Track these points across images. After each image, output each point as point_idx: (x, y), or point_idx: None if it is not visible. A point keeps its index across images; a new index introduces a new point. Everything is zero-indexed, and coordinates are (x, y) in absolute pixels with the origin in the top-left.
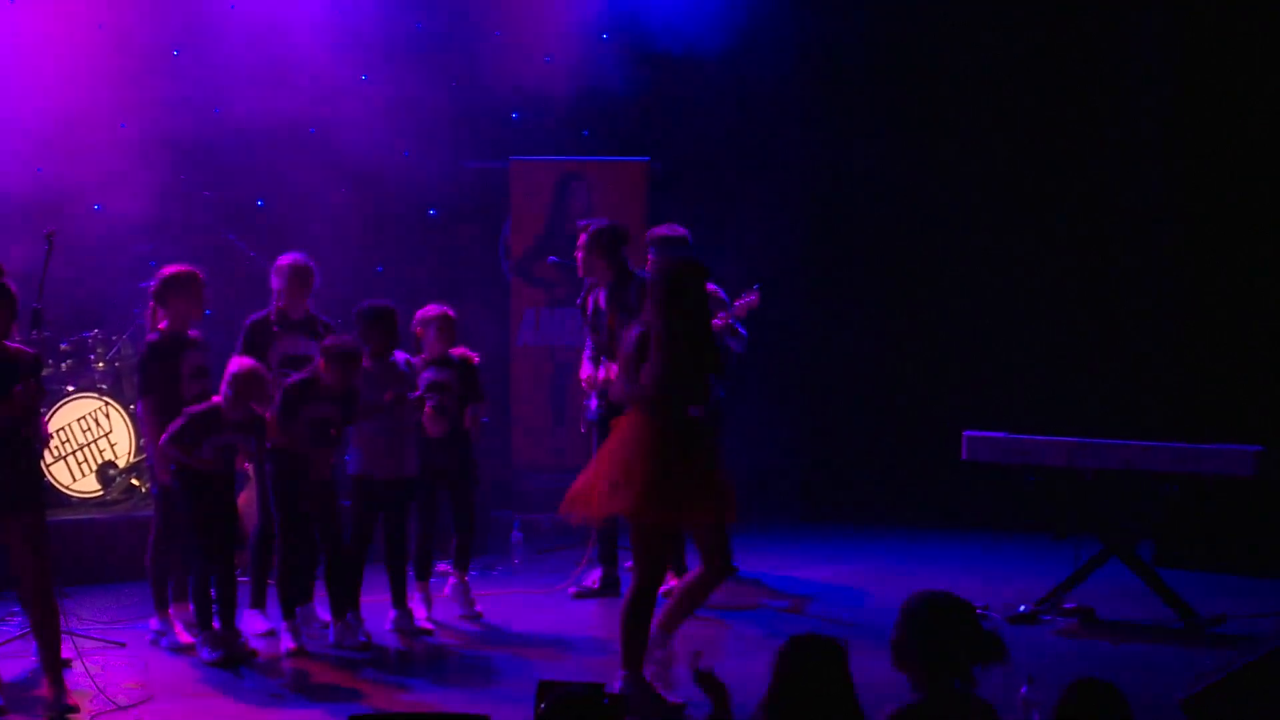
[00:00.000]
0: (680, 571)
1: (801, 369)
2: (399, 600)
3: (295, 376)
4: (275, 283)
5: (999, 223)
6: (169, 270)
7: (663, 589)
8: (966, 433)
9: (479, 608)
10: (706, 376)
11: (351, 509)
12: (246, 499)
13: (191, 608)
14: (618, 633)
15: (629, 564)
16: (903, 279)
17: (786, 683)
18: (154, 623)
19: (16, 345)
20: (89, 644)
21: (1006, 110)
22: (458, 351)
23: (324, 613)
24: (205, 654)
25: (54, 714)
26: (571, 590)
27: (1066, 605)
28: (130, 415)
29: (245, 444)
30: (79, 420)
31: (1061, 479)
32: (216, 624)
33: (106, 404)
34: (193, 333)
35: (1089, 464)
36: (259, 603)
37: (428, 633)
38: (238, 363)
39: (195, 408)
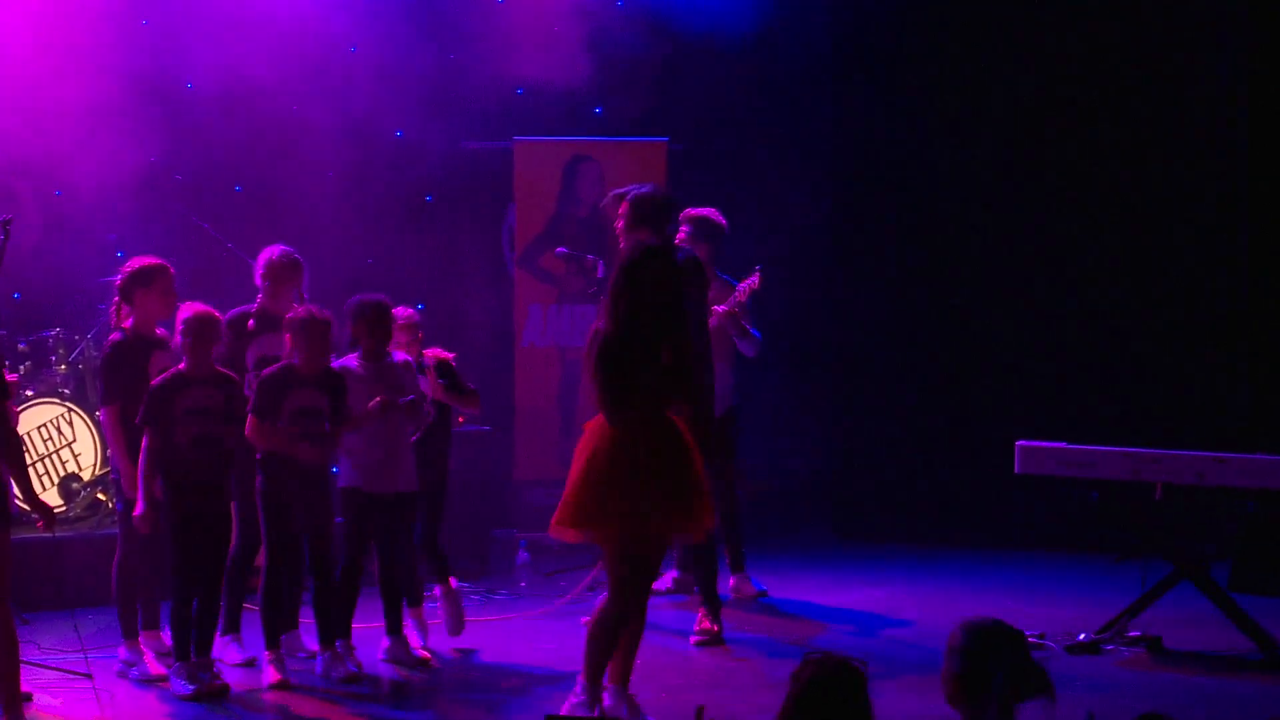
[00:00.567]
0: (684, 565)
1: (833, 370)
2: (393, 627)
3: (270, 367)
4: (259, 278)
5: (1052, 211)
6: (135, 263)
7: (661, 583)
8: (1020, 443)
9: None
10: (684, 378)
11: (342, 526)
12: None
13: (165, 635)
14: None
15: (673, 573)
16: (945, 271)
17: (800, 707)
18: (122, 652)
19: None
20: (50, 675)
21: (1059, 94)
22: (430, 353)
23: (309, 640)
24: (179, 687)
25: None
26: (584, 620)
27: (1131, 634)
28: (95, 423)
29: (327, 404)
30: (39, 428)
31: (1126, 494)
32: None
33: (69, 410)
34: (161, 331)
35: (1157, 478)
36: (233, 628)
37: (425, 663)
38: (188, 308)
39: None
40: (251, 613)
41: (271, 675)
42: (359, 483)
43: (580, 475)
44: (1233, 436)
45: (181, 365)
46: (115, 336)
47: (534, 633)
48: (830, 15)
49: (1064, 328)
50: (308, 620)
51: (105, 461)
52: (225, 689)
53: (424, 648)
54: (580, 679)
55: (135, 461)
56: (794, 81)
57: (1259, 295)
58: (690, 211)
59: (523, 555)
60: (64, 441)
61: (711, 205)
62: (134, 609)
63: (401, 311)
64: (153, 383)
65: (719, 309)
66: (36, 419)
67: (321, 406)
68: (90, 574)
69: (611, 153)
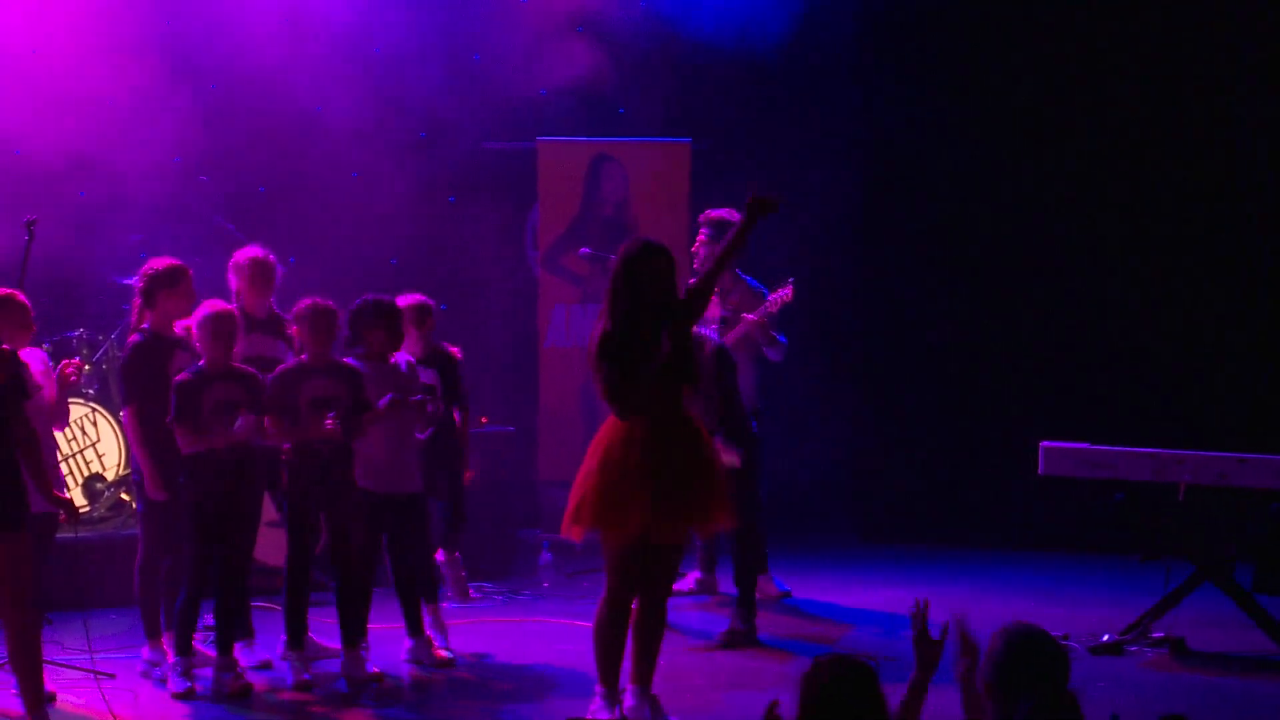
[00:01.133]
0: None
1: (857, 369)
2: (414, 628)
3: (282, 365)
4: (234, 281)
5: (1078, 210)
6: (155, 265)
7: (684, 584)
8: (1044, 444)
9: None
10: (686, 364)
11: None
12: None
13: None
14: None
15: (696, 574)
16: (970, 271)
17: (813, 710)
18: (146, 652)
19: None
20: (73, 675)
21: (1092, 91)
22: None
23: (323, 640)
24: (174, 683)
25: None
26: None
27: (1155, 635)
28: (119, 423)
29: (345, 392)
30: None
31: (1149, 495)
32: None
33: (94, 410)
34: (181, 331)
35: (1180, 478)
36: (244, 632)
37: (449, 664)
38: (208, 305)
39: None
40: (257, 613)
41: (292, 677)
42: (369, 484)
43: (587, 471)
44: (1257, 437)
45: (202, 362)
46: (135, 338)
47: (555, 634)
48: (856, 14)
49: (1087, 329)
50: (317, 620)
51: (129, 462)
52: (248, 689)
53: (445, 648)
54: (598, 685)
55: (157, 461)
56: (819, 81)
57: None
58: (709, 213)
59: (546, 556)
60: (88, 441)
61: (735, 207)
62: (157, 610)
63: (413, 298)
64: (175, 380)
65: (748, 317)
66: None
67: (338, 394)
68: (113, 575)
69: (635, 153)
